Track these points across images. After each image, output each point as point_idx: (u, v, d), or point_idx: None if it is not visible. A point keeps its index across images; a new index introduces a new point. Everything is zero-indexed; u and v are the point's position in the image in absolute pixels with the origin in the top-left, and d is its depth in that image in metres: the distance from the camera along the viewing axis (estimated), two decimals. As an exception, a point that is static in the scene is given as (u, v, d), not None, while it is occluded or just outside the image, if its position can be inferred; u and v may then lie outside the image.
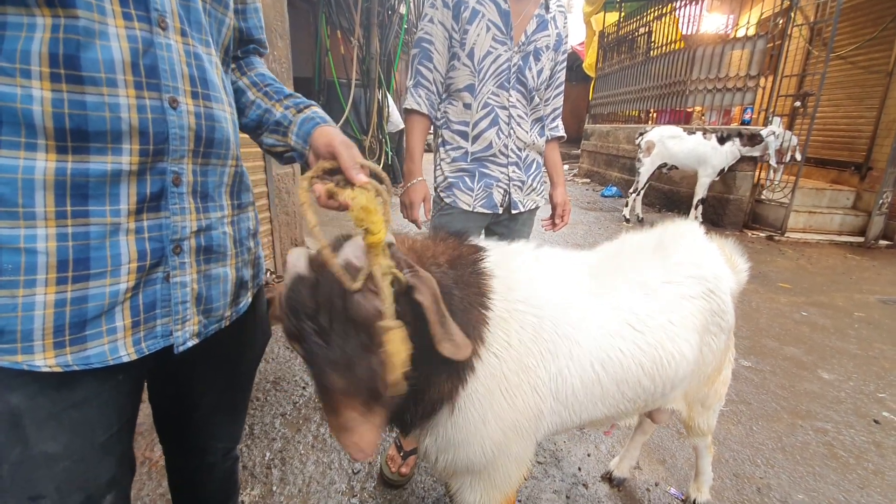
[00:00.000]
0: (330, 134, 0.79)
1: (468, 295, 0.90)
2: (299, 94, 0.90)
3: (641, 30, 8.47)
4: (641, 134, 5.84)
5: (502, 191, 1.64)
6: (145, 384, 0.86)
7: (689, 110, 7.01)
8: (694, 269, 1.20)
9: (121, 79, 0.59)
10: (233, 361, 0.93)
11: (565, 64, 1.72)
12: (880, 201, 5.30)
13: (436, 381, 0.88)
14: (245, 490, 1.64)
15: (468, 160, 1.61)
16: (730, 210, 5.89)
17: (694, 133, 5.56)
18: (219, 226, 0.77)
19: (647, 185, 5.91)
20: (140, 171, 0.63)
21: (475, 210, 1.64)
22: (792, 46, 6.54)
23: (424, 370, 0.82)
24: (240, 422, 1.08)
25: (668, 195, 6.93)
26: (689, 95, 6.56)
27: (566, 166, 12.73)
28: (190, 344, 0.74)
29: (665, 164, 5.74)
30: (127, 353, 0.66)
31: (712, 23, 9.56)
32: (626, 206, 5.97)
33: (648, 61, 7.97)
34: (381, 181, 0.75)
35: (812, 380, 2.54)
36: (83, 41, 0.56)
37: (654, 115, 7.90)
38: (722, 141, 5.30)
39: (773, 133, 5.06)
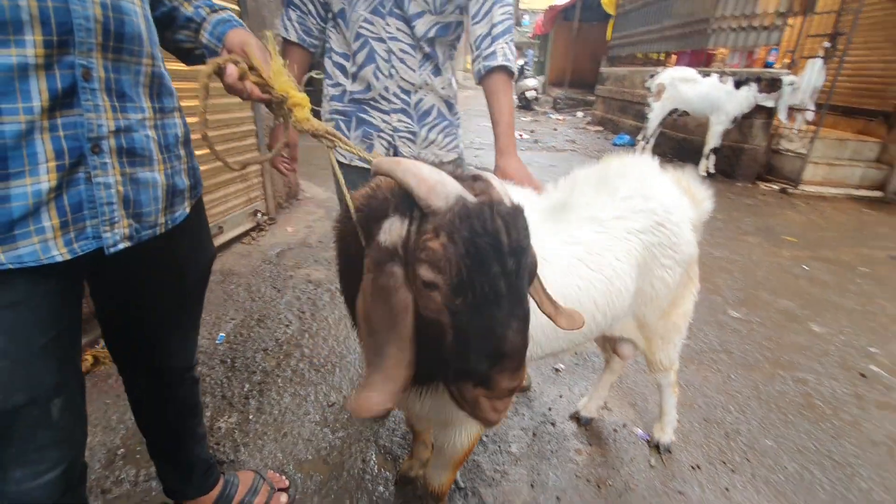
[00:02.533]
0: (245, 35, 0.81)
1: None
2: None
3: (667, -39, 7.81)
4: (652, 76, 5.52)
5: (385, 143, 1.36)
6: (93, 305, 0.87)
7: (710, 52, 6.57)
8: (642, 202, 1.18)
9: None
10: (175, 275, 0.94)
11: None
12: (904, 153, 5.02)
13: None
14: (222, 417, 1.70)
15: (345, 101, 1.35)
16: (744, 160, 5.65)
17: (709, 76, 5.23)
18: (140, 128, 0.76)
19: (657, 133, 5.66)
20: (47, 64, 0.62)
21: (353, 164, 1.37)
22: (830, -20, 6.02)
23: None
24: (190, 342, 1.09)
25: (682, 144, 6.65)
26: (711, 34, 6.12)
27: (580, 113, 12.25)
28: (121, 246, 0.74)
29: (676, 110, 5.46)
30: (59, 252, 0.67)
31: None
32: (635, 153, 5.74)
33: (672, -4, 7.42)
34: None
35: (801, 332, 2.51)
36: None
37: (675, 57, 7.43)
38: (738, 85, 5.00)
39: (792, 84, 4.74)
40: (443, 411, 0.99)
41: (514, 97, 12.83)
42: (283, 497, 1.40)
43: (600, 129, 9.72)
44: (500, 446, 1.65)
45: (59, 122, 0.64)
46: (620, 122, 8.76)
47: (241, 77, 0.79)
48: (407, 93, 1.33)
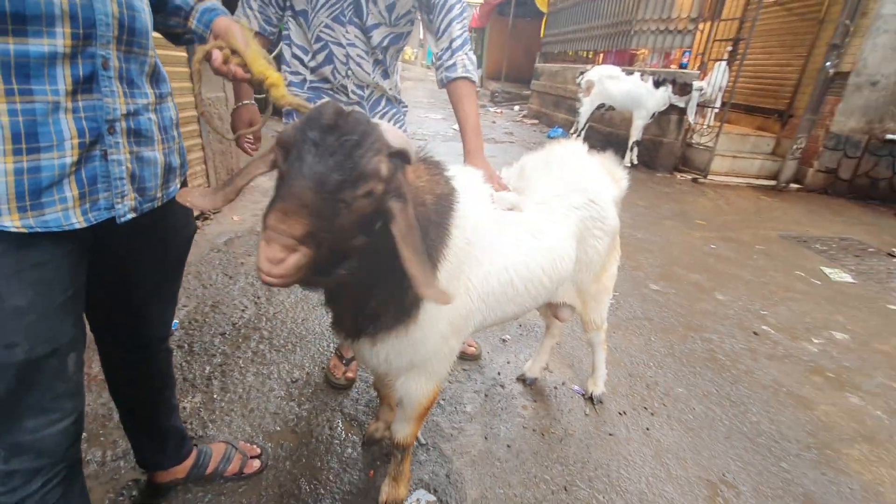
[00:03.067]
0: (228, 22, 0.91)
1: (440, 233, 0.98)
2: None
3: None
4: (582, 73, 5.92)
5: None
6: (92, 280, 0.92)
7: (633, 51, 7.12)
8: (577, 182, 1.37)
9: None
10: (165, 244, 1.02)
11: None
12: (794, 146, 5.75)
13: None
14: (186, 398, 1.74)
15: (304, 88, 1.45)
16: (662, 153, 6.21)
17: (632, 74, 5.70)
18: (144, 112, 0.85)
19: (587, 126, 6.07)
20: (73, 53, 0.70)
21: None
22: (735, -9, 6.71)
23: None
24: (169, 312, 1.17)
25: (608, 137, 7.16)
26: (633, 36, 6.64)
27: (516, 107, 12.70)
28: (129, 216, 0.83)
29: (603, 105, 5.90)
30: (77, 220, 0.75)
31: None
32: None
33: (599, -2, 7.90)
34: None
35: (708, 300, 2.90)
36: None
37: (601, 55, 7.94)
38: (657, 85, 5.50)
39: (700, 89, 5.30)
40: (393, 361, 1.10)
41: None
42: (256, 462, 1.48)
43: (536, 122, 10.16)
44: (456, 407, 1.83)
45: (81, 105, 0.72)
46: (554, 115, 9.22)
47: (225, 61, 0.88)
48: (361, 88, 1.47)
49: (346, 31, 1.35)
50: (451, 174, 1.06)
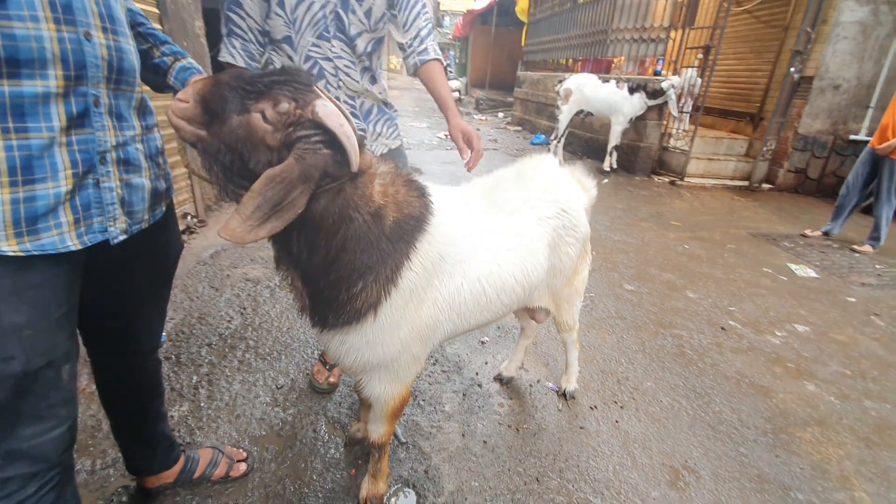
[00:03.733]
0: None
1: (398, 248, 1.06)
2: (170, 40, 1.09)
3: (570, -25, 8.52)
4: (560, 81, 6.10)
5: None
6: (85, 296, 0.99)
7: (610, 59, 7.32)
8: (548, 193, 1.46)
9: (41, 15, 0.72)
10: (154, 262, 1.10)
11: None
12: (764, 148, 5.96)
13: (365, 290, 1.04)
14: (174, 407, 1.81)
15: None
16: (640, 157, 6.39)
17: (608, 82, 5.88)
18: (132, 142, 0.93)
19: (566, 132, 6.24)
20: (65, 93, 0.78)
21: None
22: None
23: (357, 275, 1.01)
24: (157, 325, 1.24)
25: (588, 142, 7.34)
26: (609, 45, 6.84)
27: (500, 114, 12.90)
28: (121, 238, 0.91)
29: (582, 111, 6.07)
30: (73, 243, 0.82)
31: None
32: (549, 152, 6.30)
33: (576, 8, 8.11)
34: None
35: (679, 298, 3.02)
36: None
37: (580, 63, 8.14)
38: (632, 91, 5.69)
39: (672, 85, 5.49)
40: (352, 357, 1.17)
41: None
42: (243, 466, 1.56)
43: (519, 128, 10.35)
44: (435, 407, 1.92)
45: (74, 139, 0.80)
46: (537, 122, 9.41)
47: None
48: (352, 98, 1.59)
49: (332, 46, 1.48)
50: (429, 196, 1.13)
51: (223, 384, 1.95)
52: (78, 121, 0.80)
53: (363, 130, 1.62)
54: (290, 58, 1.49)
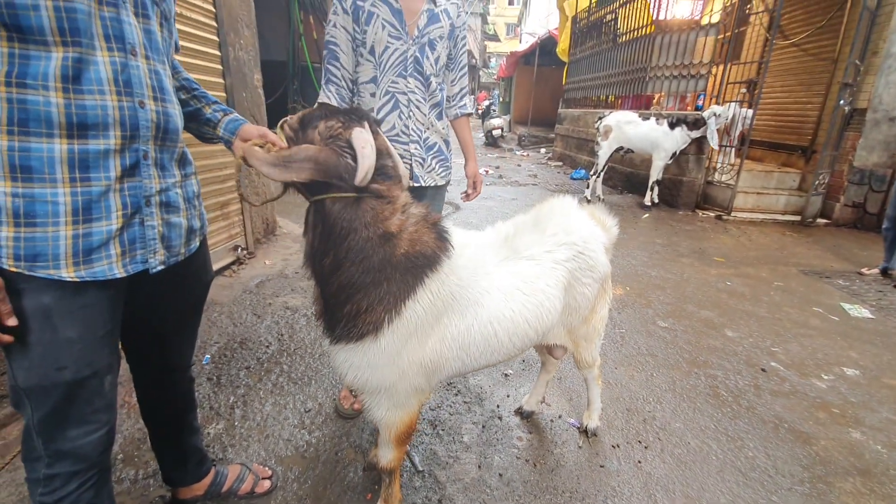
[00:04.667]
0: (251, 126, 1.22)
1: (418, 264, 1.16)
2: (219, 101, 1.28)
3: (609, 16, 8.70)
4: (600, 118, 6.15)
5: (408, 166, 1.85)
6: (128, 318, 1.14)
7: (650, 95, 7.32)
8: (565, 236, 1.49)
9: (107, 89, 0.89)
10: (187, 289, 1.25)
11: (466, 49, 1.95)
12: (816, 182, 5.69)
13: (369, 311, 1.14)
14: (210, 424, 1.95)
15: None
16: (683, 191, 6.26)
17: (648, 118, 5.88)
18: (173, 188, 1.09)
19: (606, 168, 6.24)
20: (122, 149, 0.94)
21: (424, 185, 1.92)
22: (752, 34, 6.88)
23: (367, 294, 1.13)
24: (191, 344, 1.39)
25: (629, 177, 7.27)
26: (648, 81, 6.86)
27: (542, 150, 13.05)
28: (159, 268, 1.05)
29: (622, 148, 6.07)
30: (119, 271, 0.97)
31: (682, 8, 9.82)
32: (587, 187, 6.31)
33: (615, 47, 8.24)
34: None
35: (717, 337, 2.91)
36: (83, 67, 0.86)
37: (619, 100, 8.19)
38: (672, 126, 5.65)
39: (714, 114, 5.42)
40: (352, 374, 1.25)
41: (481, 135, 14.36)
42: (267, 483, 1.65)
43: (560, 164, 10.41)
44: (453, 437, 1.95)
45: (126, 186, 0.96)
46: (577, 157, 9.44)
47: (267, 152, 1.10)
48: (420, 130, 1.87)
49: (408, 82, 1.80)
50: (448, 241, 1.22)
51: (256, 405, 2.07)
52: (130, 171, 0.96)
53: (423, 159, 1.90)
54: (372, 94, 1.81)
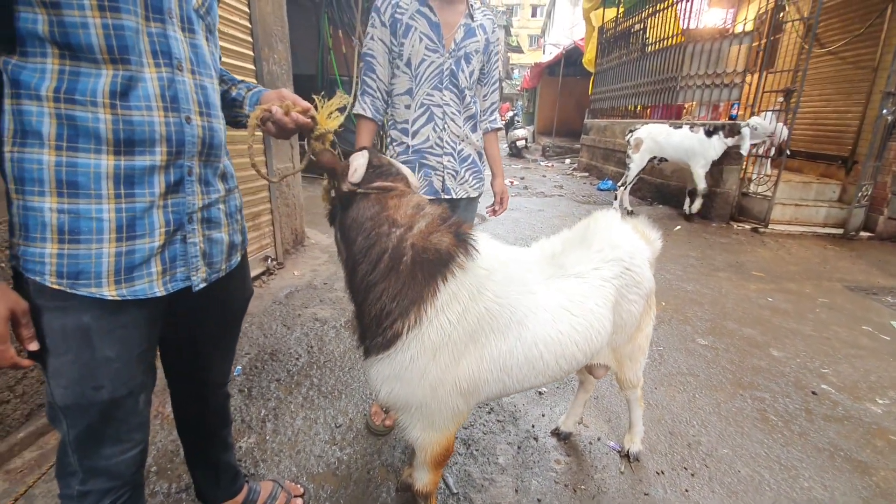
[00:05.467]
0: (272, 92, 1.14)
1: (431, 266, 1.11)
2: (245, 80, 1.25)
3: (637, 26, 8.60)
4: (631, 131, 6.04)
5: (440, 178, 1.85)
6: (166, 333, 1.12)
7: (681, 105, 7.17)
8: (611, 252, 1.43)
9: (154, 105, 0.88)
10: (226, 305, 1.23)
11: (498, 64, 1.95)
12: (859, 193, 5.45)
13: (391, 316, 1.10)
14: (242, 438, 1.93)
15: (409, 153, 1.83)
16: (717, 203, 6.07)
17: (681, 128, 5.75)
18: (216, 204, 1.07)
19: (636, 179, 6.11)
20: (167, 165, 0.92)
21: (457, 197, 1.91)
22: (787, 42, 6.69)
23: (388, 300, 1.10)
24: (229, 360, 1.37)
25: (660, 188, 7.11)
26: (679, 91, 6.73)
27: (567, 160, 12.93)
28: (202, 286, 1.03)
29: (654, 157, 5.94)
30: (159, 290, 0.95)
31: (712, 17, 9.65)
32: (616, 198, 6.18)
33: (643, 57, 8.12)
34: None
35: (762, 357, 2.77)
36: (132, 84, 0.85)
37: (648, 110, 8.05)
38: (709, 134, 5.50)
39: (749, 125, 5.25)
40: (386, 392, 1.20)
41: (505, 145, 14.36)
42: (299, 501, 1.62)
43: (586, 174, 10.28)
44: (488, 458, 1.88)
45: (169, 202, 0.93)
46: (604, 168, 9.31)
47: (287, 112, 1.03)
48: (454, 142, 1.86)
49: (443, 95, 1.80)
50: (468, 242, 1.15)
51: (287, 419, 2.05)
52: (174, 187, 0.94)
53: (456, 171, 1.89)
54: (406, 106, 1.81)
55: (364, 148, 1.20)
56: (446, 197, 1.88)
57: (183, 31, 0.93)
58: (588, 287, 1.37)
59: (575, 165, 11.51)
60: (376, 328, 1.12)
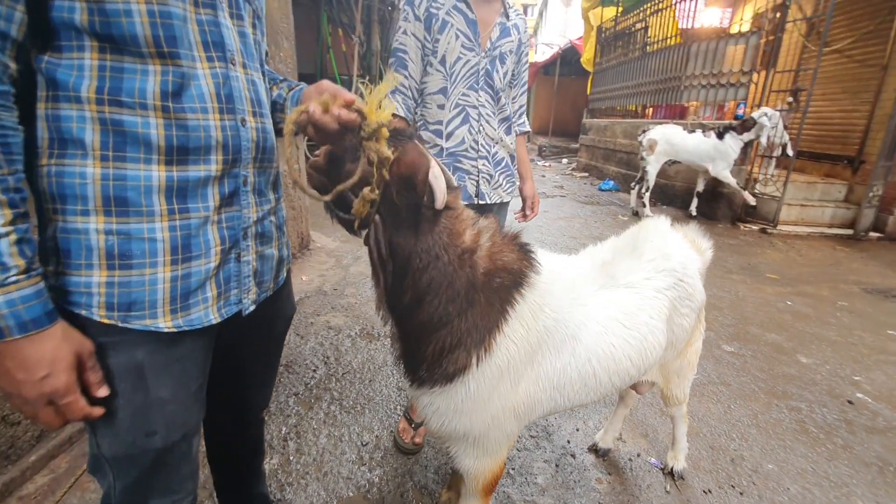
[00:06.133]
0: (313, 87, 0.93)
1: (503, 283, 1.01)
2: (288, 79, 1.07)
3: (638, 25, 8.55)
4: (644, 131, 5.95)
5: (474, 182, 1.77)
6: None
7: (684, 105, 7.13)
8: (664, 262, 1.33)
9: (210, 106, 0.76)
10: (271, 325, 1.11)
11: (527, 65, 1.87)
12: (870, 194, 5.43)
13: (455, 350, 0.99)
14: (266, 459, 1.80)
15: (443, 156, 1.74)
16: (723, 204, 6.03)
17: (694, 131, 5.67)
18: (268, 216, 0.95)
19: (644, 182, 6.02)
20: (222, 175, 0.81)
21: (489, 202, 1.83)
22: (788, 41, 6.66)
23: (451, 334, 0.97)
24: (271, 384, 1.25)
25: (664, 189, 7.06)
26: (683, 91, 6.68)
27: (565, 160, 12.88)
28: (252, 308, 0.92)
29: (668, 160, 5.86)
30: (214, 317, 0.83)
31: (709, 17, 9.65)
32: (643, 204, 5.99)
33: (645, 56, 8.07)
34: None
35: (790, 364, 2.70)
36: (185, 82, 0.73)
37: (651, 110, 8.00)
38: (720, 135, 5.44)
39: (766, 114, 5.17)
40: (438, 422, 1.10)
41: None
42: (333, 531, 1.51)
43: (586, 175, 10.21)
44: (526, 478, 1.78)
45: (224, 217, 0.83)
46: (604, 168, 9.25)
47: (325, 110, 0.81)
48: (489, 144, 1.78)
49: (479, 96, 1.72)
50: (533, 255, 1.07)
51: (310, 437, 1.94)
52: (229, 199, 0.83)
53: (490, 175, 1.80)
54: (440, 106, 1.72)
55: (412, 144, 0.93)
56: (480, 202, 1.79)
57: (231, 18, 0.81)
58: (640, 298, 1.28)
59: (573, 165, 11.45)
60: (438, 361, 1.01)
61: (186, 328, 0.79)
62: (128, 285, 0.73)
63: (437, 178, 0.89)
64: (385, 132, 0.83)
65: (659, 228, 1.45)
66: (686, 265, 1.38)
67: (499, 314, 1.00)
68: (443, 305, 0.97)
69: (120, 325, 0.74)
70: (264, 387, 1.22)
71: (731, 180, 5.59)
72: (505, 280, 1.00)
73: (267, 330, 1.10)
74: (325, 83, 0.92)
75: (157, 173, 0.73)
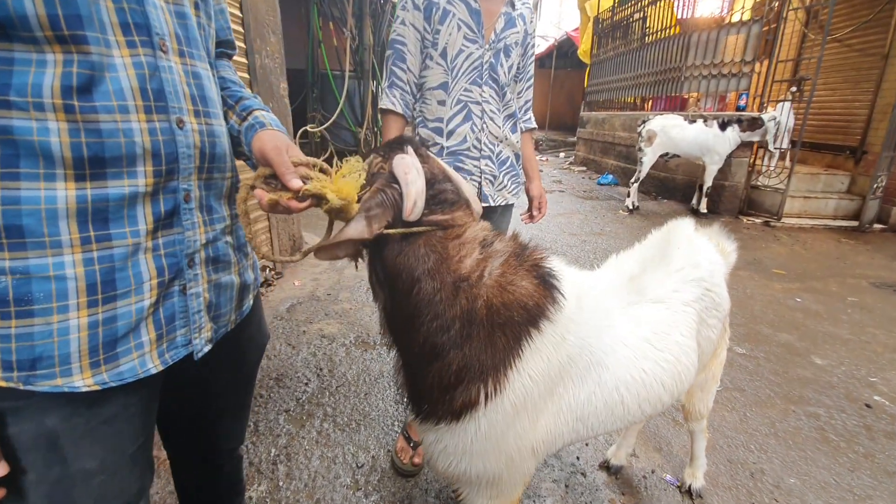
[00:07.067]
0: (262, 140, 0.78)
1: (514, 319, 0.87)
2: (248, 95, 0.90)
3: (636, 15, 8.40)
4: (644, 122, 5.82)
5: (476, 184, 1.66)
6: (167, 405, 0.87)
7: (684, 97, 7.00)
8: (693, 271, 1.21)
9: (132, 104, 0.61)
10: (238, 361, 0.96)
11: (534, 58, 1.76)
12: (875, 185, 5.33)
13: (461, 383, 0.87)
14: (252, 486, 1.68)
15: (443, 155, 1.63)
16: (725, 197, 5.92)
17: (695, 121, 5.55)
18: (222, 236, 0.80)
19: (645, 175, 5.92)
20: (154, 191, 0.66)
21: (493, 204, 1.72)
22: (788, 30, 6.53)
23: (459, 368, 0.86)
24: (244, 421, 1.11)
25: (664, 182, 6.95)
26: (684, 82, 6.55)
27: (562, 154, 12.75)
28: (206, 349, 0.77)
29: (666, 154, 5.74)
30: (154, 364, 0.69)
31: (707, 6, 9.50)
32: (629, 195, 5.95)
33: (643, 47, 7.93)
34: (325, 172, 0.78)
35: (805, 365, 2.59)
36: (96, 74, 0.58)
37: (650, 101, 7.87)
38: (723, 127, 5.32)
39: (774, 118, 5.07)
40: (445, 462, 0.99)
41: None
42: (326, 568, 1.38)
43: (584, 168, 10.09)
44: (534, 501, 1.66)
45: (161, 242, 0.68)
46: (602, 162, 9.12)
47: (273, 204, 0.72)
48: (493, 143, 1.66)
49: (483, 91, 1.60)
50: (554, 286, 0.92)
51: (302, 459, 1.81)
52: (166, 221, 0.68)
53: (494, 176, 1.69)
54: (440, 102, 1.60)
55: (404, 143, 0.89)
56: (483, 205, 1.65)
57: None
58: (670, 314, 1.15)
59: (571, 159, 11.32)
60: (440, 395, 0.88)
61: (115, 384, 0.64)
62: (29, 338, 0.58)
63: (410, 183, 0.79)
64: (353, 207, 0.77)
65: (686, 233, 1.32)
66: (714, 272, 1.27)
67: (507, 350, 0.87)
68: (432, 336, 0.85)
69: (21, 387, 0.59)
70: (236, 424, 1.08)
71: (710, 179, 5.51)
72: (516, 316, 0.87)
73: (235, 363, 0.96)
74: (269, 147, 0.75)
75: (65, 192, 0.58)
